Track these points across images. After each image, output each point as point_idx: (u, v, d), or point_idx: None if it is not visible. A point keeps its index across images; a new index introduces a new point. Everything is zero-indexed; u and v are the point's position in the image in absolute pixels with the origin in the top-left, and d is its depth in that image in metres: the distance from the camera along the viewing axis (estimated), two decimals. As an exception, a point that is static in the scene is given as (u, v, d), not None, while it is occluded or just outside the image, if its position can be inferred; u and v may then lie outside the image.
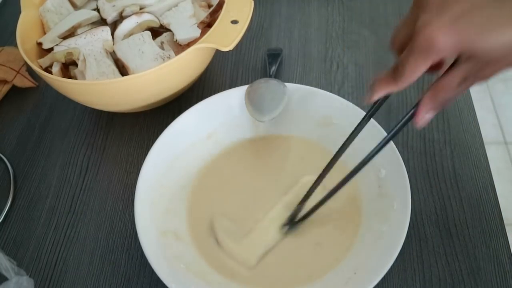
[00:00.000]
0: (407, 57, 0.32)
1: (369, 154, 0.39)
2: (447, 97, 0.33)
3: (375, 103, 0.39)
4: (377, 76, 0.35)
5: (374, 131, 0.48)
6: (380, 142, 0.39)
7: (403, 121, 0.37)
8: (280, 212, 0.48)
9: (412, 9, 0.33)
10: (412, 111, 0.35)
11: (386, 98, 0.37)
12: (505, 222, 0.48)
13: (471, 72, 0.32)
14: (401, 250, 0.41)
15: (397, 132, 0.38)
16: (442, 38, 0.29)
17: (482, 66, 0.32)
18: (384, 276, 0.40)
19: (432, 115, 0.34)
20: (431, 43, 0.30)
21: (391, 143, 0.47)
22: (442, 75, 0.34)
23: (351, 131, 0.41)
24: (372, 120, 0.42)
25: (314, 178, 0.45)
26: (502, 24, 0.29)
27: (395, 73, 0.33)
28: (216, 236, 0.47)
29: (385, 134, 0.47)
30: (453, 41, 0.29)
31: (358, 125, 0.41)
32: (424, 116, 0.34)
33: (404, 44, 0.33)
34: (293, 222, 0.47)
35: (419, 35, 0.30)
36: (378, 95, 0.35)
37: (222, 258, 0.46)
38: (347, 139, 0.41)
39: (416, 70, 0.32)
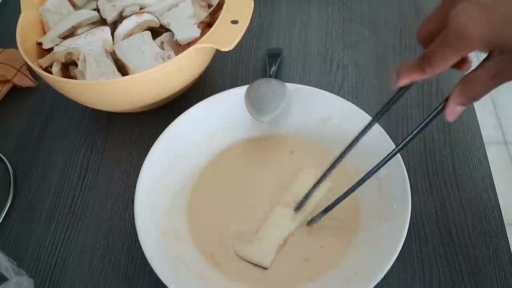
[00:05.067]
0: (437, 46, 0.32)
1: (397, 146, 0.40)
2: (477, 91, 0.33)
3: (398, 90, 0.38)
4: (404, 62, 0.35)
5: (377, 133, 0.48)
6: (411, 133, 0.38)
7: (432, 114, 0.37)
8: (284, 208, 0.49)
9: (443, 2, 0.33)
10: (442, 105, 0.35)
11: (405, 89, 0.37)
12: (505, 222, 0.48)
13: (502, 67, 0.31)
14: (401, 251, 0.41)
15: (428, 123, 0.38)
16: (474, 27, 0.29)
17: None
18: (384, 277, 0.40)
19: (462, 109, 0.34)
20: (463, 32, 0.30)
21: (391, 143, 0.47)
22: (473, 69, 0.33)
23: (351, 131, 0.41)
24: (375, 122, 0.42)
25: (312, 171, 0.49)
26: None
27: (423, 61, 0.33)
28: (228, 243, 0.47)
29: (389, 139, 0.48)
30: (486, 31, 0.29)
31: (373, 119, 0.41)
32: (454, 110, 0.34)
33: (432, 37, 0.33)
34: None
35: (452, 23, 0.30)
36: (403, 81, 0.35)
37: (222, 259, 0.46)
38: (353, 140, 0.42)
39: (445, 60, 0.32)
